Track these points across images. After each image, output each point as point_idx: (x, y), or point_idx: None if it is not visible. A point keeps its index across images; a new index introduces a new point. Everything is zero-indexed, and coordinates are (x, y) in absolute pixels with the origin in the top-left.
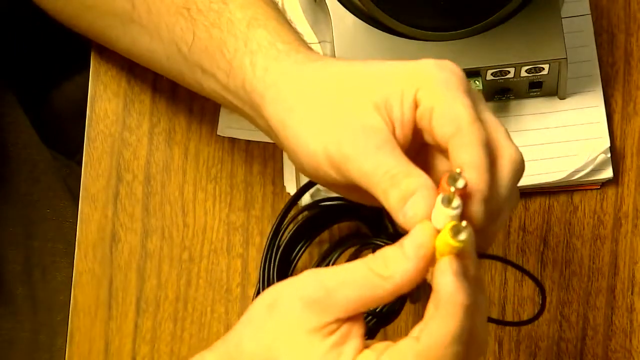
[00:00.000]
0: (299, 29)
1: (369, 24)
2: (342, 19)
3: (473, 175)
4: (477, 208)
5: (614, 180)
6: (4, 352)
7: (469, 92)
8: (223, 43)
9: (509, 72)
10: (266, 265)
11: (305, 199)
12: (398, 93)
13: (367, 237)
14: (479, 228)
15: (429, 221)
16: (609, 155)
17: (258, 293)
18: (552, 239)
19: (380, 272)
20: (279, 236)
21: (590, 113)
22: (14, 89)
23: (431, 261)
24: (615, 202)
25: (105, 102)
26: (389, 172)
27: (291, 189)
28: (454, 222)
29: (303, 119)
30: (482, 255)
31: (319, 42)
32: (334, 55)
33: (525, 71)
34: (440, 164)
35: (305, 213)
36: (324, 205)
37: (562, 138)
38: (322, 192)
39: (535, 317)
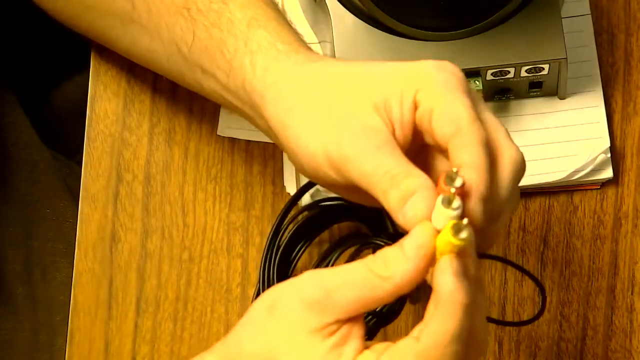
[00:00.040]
0: (299, 29)
1: (369, 24)
2: (342, 19)
3: (473, 175)
4: (476, 208)
5: (614, 180)
6: (4, 352)
7: (469, 93)
8: (223, 43)
9: (509, 72)
10: (266, 265)
11: (305, 199)
12: (397, 94)
13: (367, 237)
14: (479, 228)
15: (429, 221)
16: (609, 155)
17: (258, 293)
18: (552, 239)
19: (380, 272)
20: (279, 236)
21: (590, 113)
22: (14, 89)
23: (431, 261)
24: (615, 202)
25: (105, 102)
26: (389, 173)
27: (291, 189)
28: (454, 221)
29: (303, 119)
30: (482, 255)
31: (319, 42)
32: (334, 56)
33: (525, 71)
34: (440, 164)
35: (305, 213)
36: (324, 205)
37: (562, 138)
38: (322, 192)
39: (536, 318)
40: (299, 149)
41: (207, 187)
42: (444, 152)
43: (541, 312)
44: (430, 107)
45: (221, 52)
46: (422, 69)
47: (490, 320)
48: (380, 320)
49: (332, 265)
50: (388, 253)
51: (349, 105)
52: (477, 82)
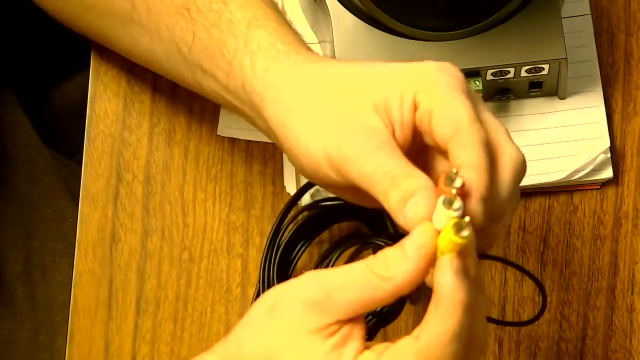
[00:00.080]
0: (299, 29)
1: (369, 24)
2: (342, 19)
3: (473, 175)
4: (477, 208)
5: (614, 180)
6: (4, 352)
7: (469, 94)
8: (223, 43)
9: (509, 72)
10: (266, 265)
11: (305, 199)
12: (397, 95)
13: (367, 237)
14: (479, 228)
15: (429, 222)
16: (609, 155)
17: (258, 293)
18: (552, 239)
19: (381, 273)
20: (279, 236)
21: (590, 113)
22: (14, 89)
23: (432, 262)
24: (615, 202)
25: (105, 102)
26: (389, 173)
27: (291, 189)
28: (455, 220)
29: (303, 119)
30: (482, 255)
31: (319, 42)
32: (334, 56)
33: (525, 71)
34: (440, 165)
35: (305, 213)
36: (324, 205)
37: (562, 138)
38: (322, 192)
39: (536, 318)
40: (298, 150)
41: (207, 187)
42: (443, 152)
43: (541, 312)
44: (430, 108)
45: (221, 52)
46: (422, 70)
47: (490, 320)
48: (380, 320)
49: (332, 266)
50: (389, 253)
51: (349, 105)
52: (477, 82)
